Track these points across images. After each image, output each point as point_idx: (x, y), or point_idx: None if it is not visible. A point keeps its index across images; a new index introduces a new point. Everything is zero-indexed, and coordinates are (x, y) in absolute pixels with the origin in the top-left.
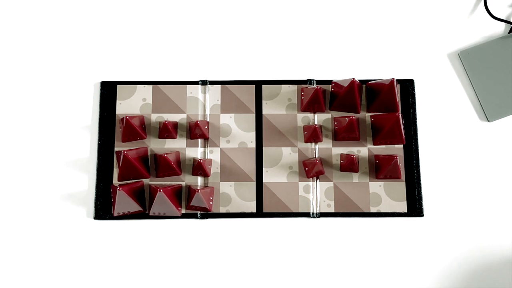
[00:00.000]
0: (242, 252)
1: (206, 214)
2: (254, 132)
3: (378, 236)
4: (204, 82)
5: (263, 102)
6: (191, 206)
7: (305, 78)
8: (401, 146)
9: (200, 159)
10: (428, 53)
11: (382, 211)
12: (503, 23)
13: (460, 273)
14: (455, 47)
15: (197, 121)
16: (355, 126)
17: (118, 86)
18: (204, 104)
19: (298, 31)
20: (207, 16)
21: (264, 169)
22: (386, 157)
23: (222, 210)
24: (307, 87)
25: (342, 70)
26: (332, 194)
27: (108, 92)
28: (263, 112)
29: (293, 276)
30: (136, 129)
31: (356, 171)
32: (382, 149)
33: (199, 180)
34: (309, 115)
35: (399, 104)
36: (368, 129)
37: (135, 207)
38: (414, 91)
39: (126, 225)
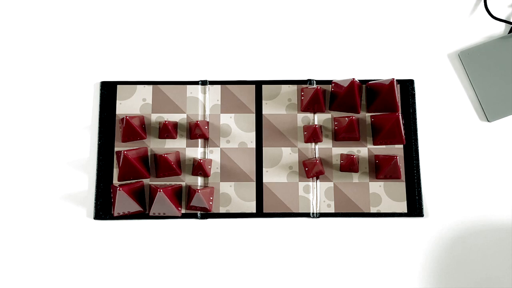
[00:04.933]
0: (242, 252)
1: (206, 214)
2: (254, 132)
3: (378, 236)
4: (204, 82)
5: (263, 102)
6: (191, 206)
7: (305, 78)
8: (401, 146)
9: (200, 159)
10: (428, 53)
11: (382, 211)
12: (503, 23)
13: (460, 273)
14: (455, 47)
15: (197, 121)
16: (355, 126)
17: (118, 86)
18: (204, 104)
19: (298, 31)
20: (207, 16)
21: (264, 169)
22: (386, 157)
23: (222, 210)
24: (307, 87)
25: (342, 70)
26: (332, 194)
27: (108, 92)
28: (263, 112)
29: (293, 276)
30: (136, 129)
31: (356, 171)
32: (382, 149)
33: (199, 180)
34: (309, 115)
35: (399, 104)
36: (368, 129)
37: (135, 207)
38: (414, 91)
39: (126, 225)
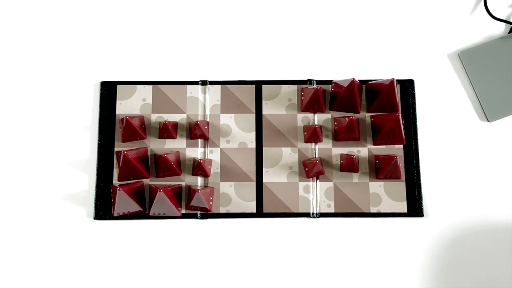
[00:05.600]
0: (242, 252)
1: (206, 214)
2: (254, 132)
3: (378, 236)
4: (204, 82)
5: (263, 102)
6: (191, 206)
7: (305, 78)
8: (401, 146)
9: (200, 159)
10: (428, 53)
11: (382, 211)
12: (503, 23)
13: (460, 273)
14: (455, 47)
15: (197, 121)
16: (355, 126)
17: (118, 86)
18: (204, 104)
19: (298, 31)
20: (207, 16)
21: (264, 169)
22: (386, 157)
23: (222, 210)
24: (307, 87)
25: (342, 70)
26: (332, 194)
27: (108, 92)
28: (263, 112)
29: (293, 276)
30: (136, 129)
31: (356, 171)
32: (382, 149)
33: (199, 180)
34: (309, 115)
35: (399, 104)
36: (368, 129)
37: (135, 207)
38: (414, 91)
39: (126, 225)
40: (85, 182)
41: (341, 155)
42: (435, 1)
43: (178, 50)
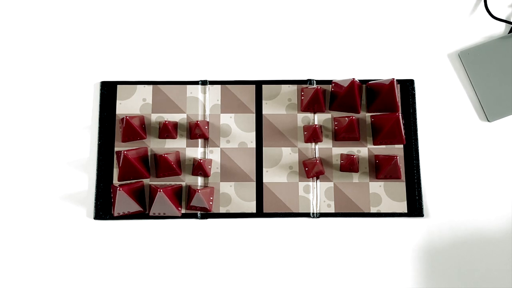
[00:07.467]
0: (242, 252)
1: (206, 214)
2: (254, 132)
3: (378, 236)
4: (204, 82)
5: (263, 102)
6: (191, 206)
7: (305, 78)
8: (401, 146)
9: (200, 159)
10: (428, 53)
11: (382, 211)
12: (503, 23)
13: (460, 273)
14: (455, 47)
15: (197, 121)
16: (355, 126)
17: (118, 86)
18: (204, 104)
19: (298, 31)
20: (207, 16)
21: (264, 169)
22: (386, 157)
23: (222, 210)
24: (307, 87)
25: (342, 70)
26: (332, 194)
27: (108, 92)
28: (263, 112)
29: (293, 276)
30: (136, 129)
31: (356, 171)
32: (382, 149)
33: (199, 180)
34: (309, 115)
35: (399, 104)
36: (368, 129)
37: (135, 207)
38: (414, 91)
39: (126, 225)
40: (85, 182)
41: (341, 155)
42: (435, 1)
43: (178, 50)
